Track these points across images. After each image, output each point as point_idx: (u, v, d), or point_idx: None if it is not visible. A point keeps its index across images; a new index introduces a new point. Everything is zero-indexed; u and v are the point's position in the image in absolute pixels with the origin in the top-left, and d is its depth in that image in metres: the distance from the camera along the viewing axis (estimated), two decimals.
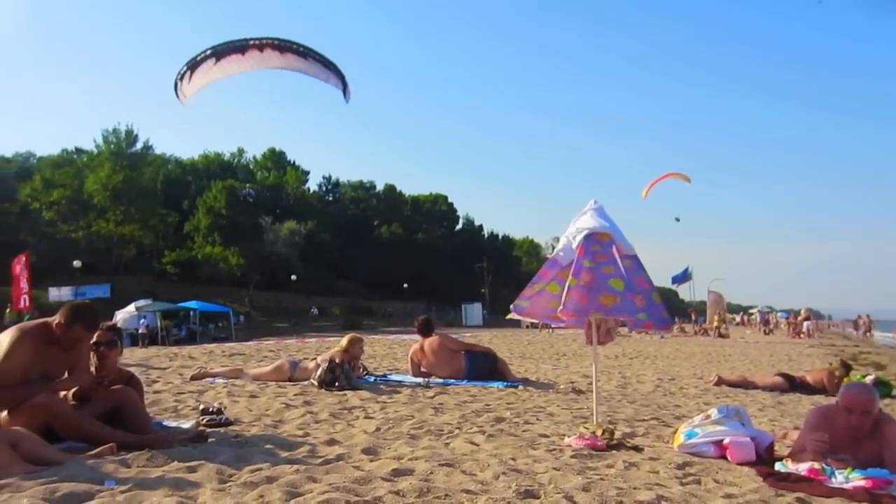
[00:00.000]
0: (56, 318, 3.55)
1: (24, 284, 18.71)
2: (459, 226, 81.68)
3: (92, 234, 45.70)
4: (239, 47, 7.39)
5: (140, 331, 26.16)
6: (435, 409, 5.38)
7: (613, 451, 3.90)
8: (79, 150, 54.36)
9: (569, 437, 4.18)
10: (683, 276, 37.94)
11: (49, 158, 53.93)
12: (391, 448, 3.81)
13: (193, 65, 7.37)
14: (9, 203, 44.98)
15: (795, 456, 3.58)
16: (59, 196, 45.68)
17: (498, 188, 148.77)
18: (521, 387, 7.14)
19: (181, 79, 7.42)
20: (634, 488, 3.02)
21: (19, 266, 18.91)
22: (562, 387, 7.33)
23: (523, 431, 4.53)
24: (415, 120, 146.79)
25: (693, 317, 35.62)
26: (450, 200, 79.29)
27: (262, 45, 7.43)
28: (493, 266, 67.08)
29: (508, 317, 5.12)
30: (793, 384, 8.02)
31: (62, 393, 3.75)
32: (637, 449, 4.01)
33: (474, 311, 55.15)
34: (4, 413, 3.45)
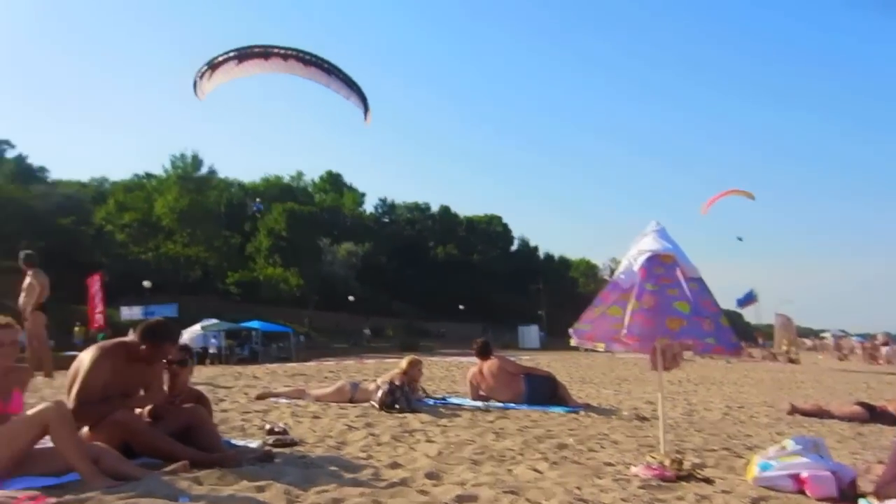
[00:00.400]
0: (136, 340, 3.71)
1: (98, 304, 19.62)
2: (515, 247, 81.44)
3: (160, 256, 47.74)
4: (262, 53, 7.45)
5: (211, 350, 27.02)
6: (496, 434, 5.33)
7: (683, 483, 3.77)
8: (148, 175, 57.09)
9: (635, 466, 4.06)
10: (747, 299, 36.52)
11: (121, 183, 56.85)
12: (454, 473, 3.79)
13: (214, 65, 7.44)
14: (85, 226, 47.46)
15: (882, 492, 3.37)
16: (131, 219, 48.04)
17: (553, 209, 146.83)
18: (582, 412, 7.00)
19: (200, 77, 7.51)
20: None
21: (95, 286, 19.84)
22: (625, 413, 7.15)
23: (587, 459, 4.43)
24: (469, 141, 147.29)
25: (760, 341, 34.30)
26: (504, 221, 79.37)
27: (286, 55, 7.46)
28: (549, 287, 66.41)
29: (572, 343, 5.01)
30: (873, 414, 7.58)
31: (137, 410, 3.91)
32: (708, 481, 3.85)
33: (531, 333, 54.52)
34: (86, 429, 3.60)
